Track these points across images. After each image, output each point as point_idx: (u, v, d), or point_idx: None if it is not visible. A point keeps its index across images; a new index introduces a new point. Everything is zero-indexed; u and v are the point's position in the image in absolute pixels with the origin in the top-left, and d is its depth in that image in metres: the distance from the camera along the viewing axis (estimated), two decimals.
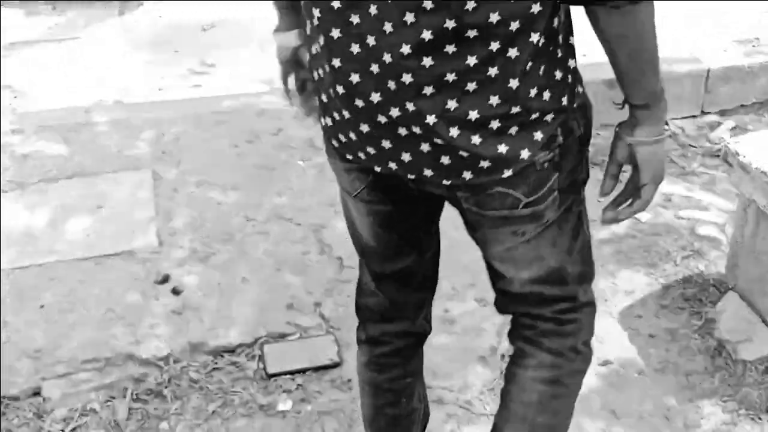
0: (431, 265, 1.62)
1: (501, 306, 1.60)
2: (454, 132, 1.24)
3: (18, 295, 2.41)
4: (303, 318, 2.39)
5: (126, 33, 4.54)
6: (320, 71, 1.32)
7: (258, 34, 4.51)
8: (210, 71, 4.08)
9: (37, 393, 2.16)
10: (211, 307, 2.40)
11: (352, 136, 1.32)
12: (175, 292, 2.45)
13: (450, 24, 1.16)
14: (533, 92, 1.25)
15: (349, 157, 1.37)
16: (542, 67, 1.25)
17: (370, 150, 1.32)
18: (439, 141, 1.26)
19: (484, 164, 1.28)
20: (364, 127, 1.30)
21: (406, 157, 1.30)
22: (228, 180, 2.98)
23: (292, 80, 1.56)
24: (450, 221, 2.69)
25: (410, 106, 1.23)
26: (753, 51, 3.90)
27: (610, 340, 2.39)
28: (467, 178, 1.29)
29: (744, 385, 2.24)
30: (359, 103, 1.27)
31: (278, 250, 2.64)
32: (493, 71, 1.21)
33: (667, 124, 1.35)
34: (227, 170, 3.04)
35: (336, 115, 1.33)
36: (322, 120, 1.39)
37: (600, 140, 3.60)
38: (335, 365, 2.26)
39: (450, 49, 1.18)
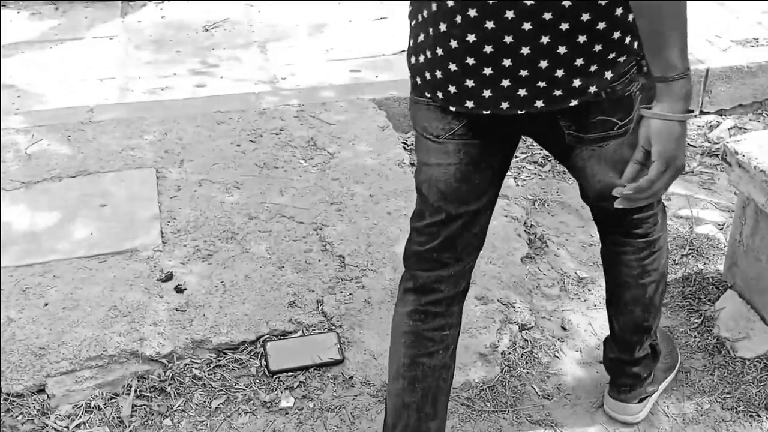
0: (491, 209, 1.74)
1: (594, 203, 1.80)
2: (543, 64, 1.44)
3: (22, 293, 2.43)
4: (305, 316, 2.40)
5: (128, 33, 4.56)
6: (424, 13, 1.49)
7: (260, 35, 4.53)
8: (212, 71, 4.10)
9: (41, 390, 2.17)
10: (213, 304, 2.41)
11: (438, 74, 1.50)
12: (178, 290, 2.46)
13: None
14: (617, 35, 1.43)
15: (428, 95, 1.54)
16: (627, 14, 1.42)
17: (451, 89, 1.49)
18: (524, 73, 1.45)
19: (557, 93, 1.47)
20: (452, 66, 1.47)
21: (486, 93, 1.48)
22: (230, 179, 3.00)
23: None
24: None
25: (508, 39, 1.43)
26: (752, 51, 3.92)
27: None
28: (539, 107, 1.48)
29: (743, 383, 2.25)
30: (453, 43, 1.45)
31: (280, 249, 2.65)
32: (585, 15, 1.39)
33: (691, 111, 1.41)
34: (229, 169, 3.06)
35: (428, 53, 1.50)
36: (412, 59, 1.56)
37: None
38: (337, 362, 2.27)
39: None
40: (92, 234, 2.69)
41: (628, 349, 2.04)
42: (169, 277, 2.51)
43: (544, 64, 1.44)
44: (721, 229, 2.90)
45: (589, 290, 2.59)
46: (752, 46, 4.01)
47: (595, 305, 2.53)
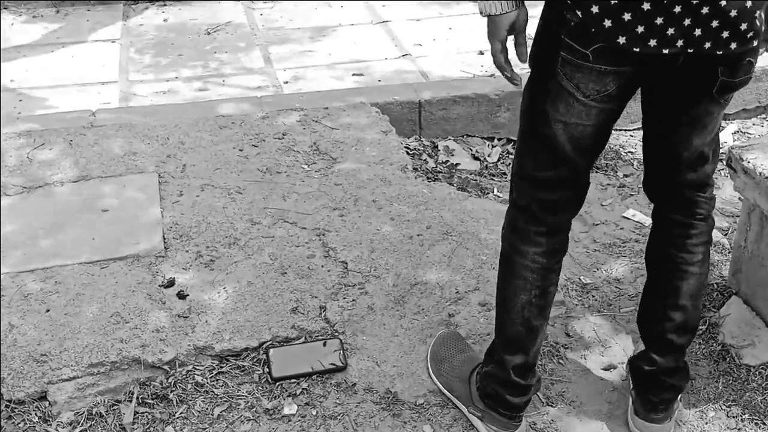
0: None
1: (668, 184, 1.93)
2: (748, 3, 1.57)
3: (23, 299, 2.42)
4: (307, 322, 2.39)
5: (130, 36, 4.56)
6: None
7: (262, 38, 4.52)
8: (214, 75, 4.09)
9: (42, 397, 2.16)
10: (216, 310, 2.40)
11: (658, 20, 1.58)
12: (181, 296, 2.45)
13: None
14: None
15: (636, 49, 1.61)
16: None
17: (670, 31, 1.59)
18: (732, 13, 1.56)
19: (748, 35, 1.61)
20: (677, 8, 1.57)
21: (697, 32, 1.58)
22: (233, 184, 2.99)
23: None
24: (454, 230, 2.69)
25: None
26: None
27: (614, 344, 2.39)
28: (733, 47, 1.61)
29: (748, 390, 2.24)
30: None
31: (283, 254, 2.64)
32: None
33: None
34: (232, 174, 3.05)
35: (627, 16, 1.57)
36: (606, 22, 1.59)
37: None
38: (340, 369, 2.26)
39: None
40: (94, 239, 2.68)
41: (674, 356, 2.05)
42: (171, 283, 2.50)
43: (749, 3, 1.57)
44: (726, 234, 2.89)
45: (593, 296, 2.58)
46: None
47: (599, 311, 2.52)
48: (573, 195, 1.89)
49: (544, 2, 1.73)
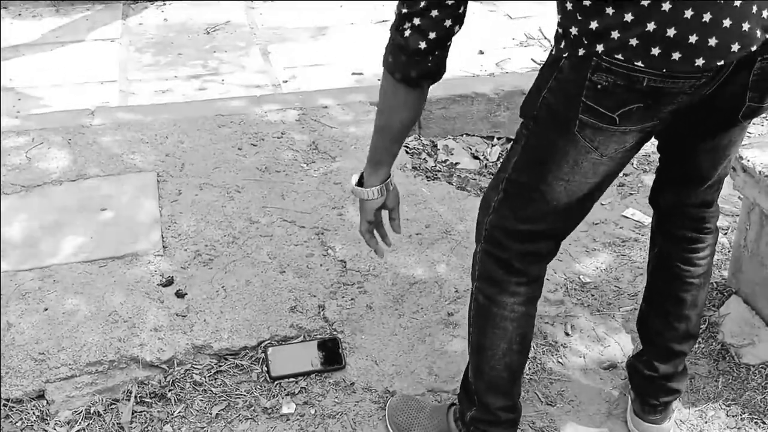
0: None
1: (680, 203, 1.89)
2: None
3: (21, 298, 2.41)
4: (306, 321, 2.38)
5: (130, 35, 4.55)
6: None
7: (261, 37, 4.52)
8: (214, 74, 4.09)
9: (40, 396, 2.16)
10: (214, 309, 2.40)
11: (730, 22, 1.43)
12: (179, 294, 2.45)
13: None
14: None
15: (719, 63, 1.46)
16: None
17: (758, 33, 1.46)
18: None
19: None
20: (754, 8, 1.44)
21: (745, 26, 1.45)
22: (231, 182, 2.98)
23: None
24: (453, 229, 2.70)
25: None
26: None
27: (614, 343, 2.39)
28: None
29: (748, 389, 2.24)
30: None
31: (281, 253, 2.64)
32: None
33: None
34: (231, 173, 3.04)
35: (692, 38, 1.43)
36: (674, 55, 1.44)
37: None
38: (339, 368, 2.26)
39: None
40: (92, 238, 2.68)
41: (675, 362, 2.03)
42: (169, 282, 2.49)
43: None
44: (725, 233, 2.89)
45: (592, 295, 2.57)
46: None
47: (599, 311, 2.51)
48: (555, 244, 1.78)
49: (547, 66, 1.58)
